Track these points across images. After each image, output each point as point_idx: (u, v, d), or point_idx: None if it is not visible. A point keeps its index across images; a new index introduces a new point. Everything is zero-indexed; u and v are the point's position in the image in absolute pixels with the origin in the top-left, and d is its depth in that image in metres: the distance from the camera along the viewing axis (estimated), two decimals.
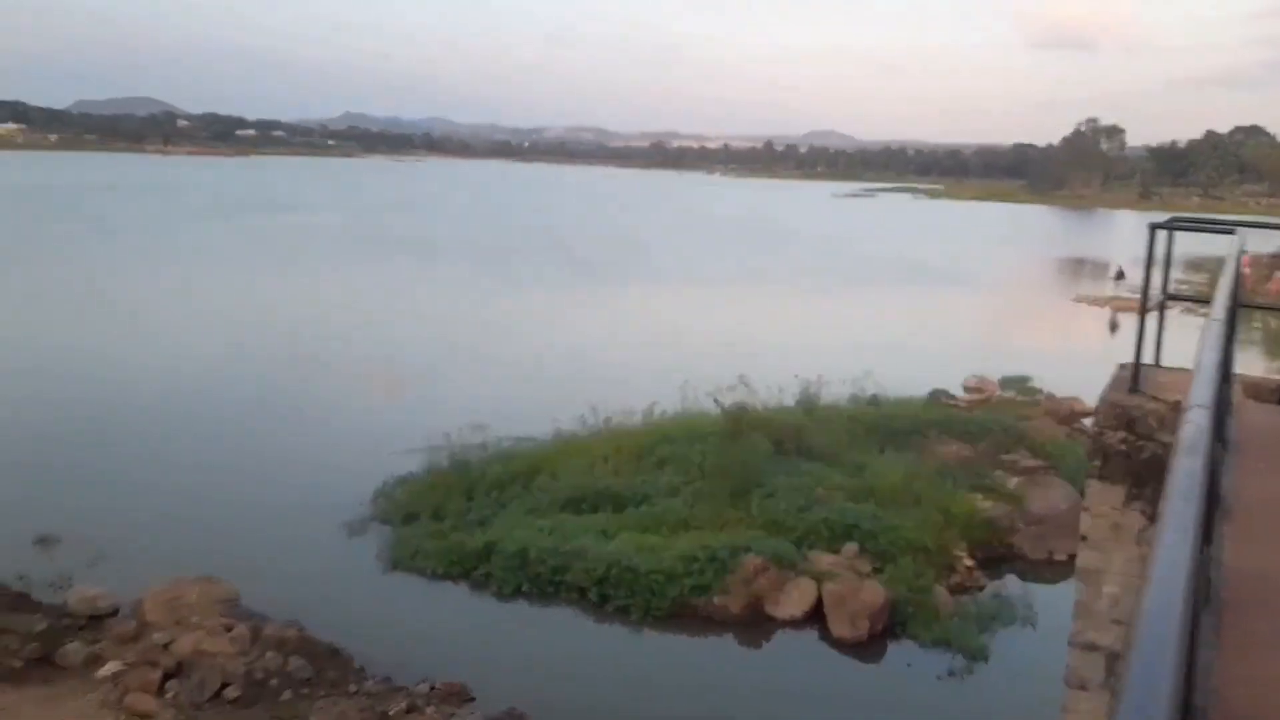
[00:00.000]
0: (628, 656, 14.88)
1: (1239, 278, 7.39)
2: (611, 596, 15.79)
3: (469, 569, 16.67)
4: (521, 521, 17.80)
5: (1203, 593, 2.83)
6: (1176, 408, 6.54)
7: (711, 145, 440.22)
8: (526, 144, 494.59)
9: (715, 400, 22.02)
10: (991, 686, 14.36)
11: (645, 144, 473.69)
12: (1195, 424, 2.63)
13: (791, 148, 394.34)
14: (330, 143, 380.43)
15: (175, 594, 14.36)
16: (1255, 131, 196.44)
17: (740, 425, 20.72)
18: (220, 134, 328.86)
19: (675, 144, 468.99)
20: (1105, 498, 6.89)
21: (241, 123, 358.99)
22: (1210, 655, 3.27)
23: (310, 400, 27.26)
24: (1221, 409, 3.04)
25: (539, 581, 16.19)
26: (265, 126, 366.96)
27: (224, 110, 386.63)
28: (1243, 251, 7.74)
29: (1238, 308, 7.05)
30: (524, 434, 22.01)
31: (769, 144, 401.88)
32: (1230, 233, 8.08)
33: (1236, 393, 7.26)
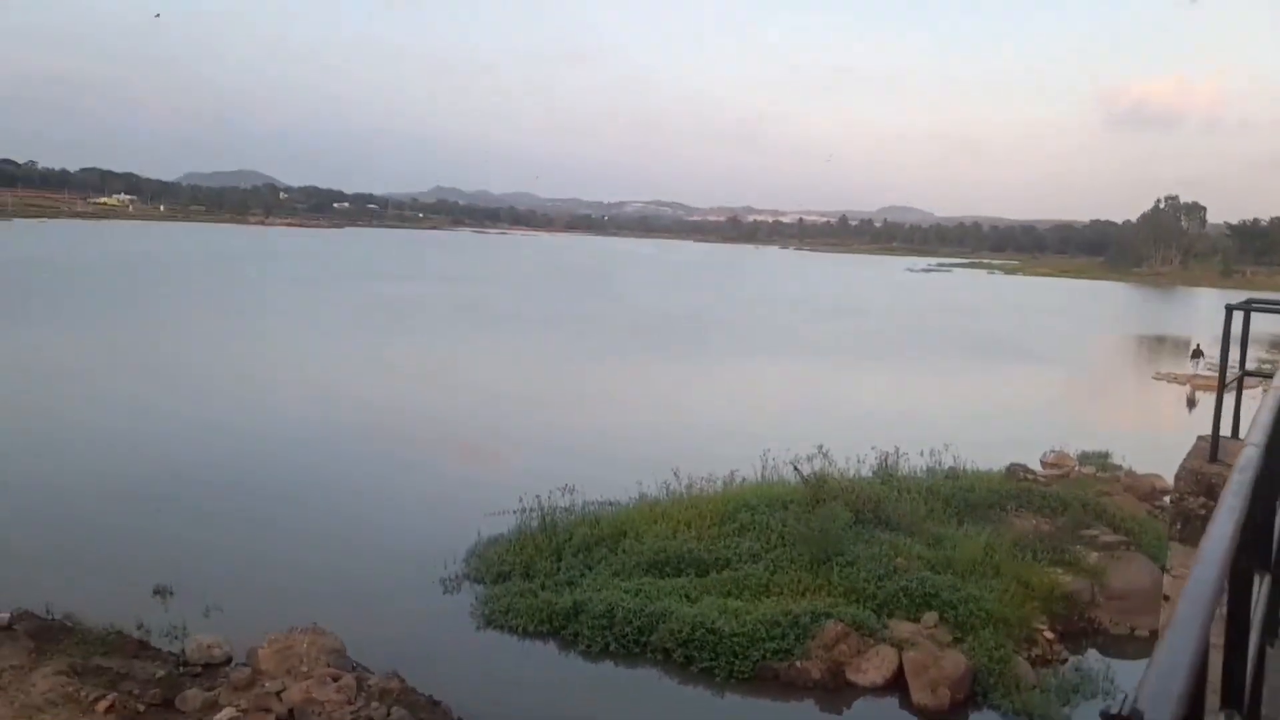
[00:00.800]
0: (712, 717, 15.23)
1: None
2: (696, 658, 16.17)
3: (558, 627, 17.18)
4: (608, 582, 18.34)
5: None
6: None
7: (786, 219, 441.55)
8: (606, 218, 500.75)
9: (795, 468, 22.44)
10: None
11: (722, 218, 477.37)
12: (1248, 455, 3.02)
13: (866, 222, 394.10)
14: (420, 215, 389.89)
15: (287, 644, 15.01)
16: None
17: (820, 494, 21.08)
18: (318, 206, 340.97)
19: (751, 218, 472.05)
20: (1185, 560, 7.21)
21: (339, 195, 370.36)
22: None
23: (407, 463, 28.16)
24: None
25: (625, 641, 16.63)
26: (360, 200, 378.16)
27: (323, 184, 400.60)
28: None
29: None
30: (610, 498, 22.65)
31: (843, 218, 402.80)
32: None
33: None
